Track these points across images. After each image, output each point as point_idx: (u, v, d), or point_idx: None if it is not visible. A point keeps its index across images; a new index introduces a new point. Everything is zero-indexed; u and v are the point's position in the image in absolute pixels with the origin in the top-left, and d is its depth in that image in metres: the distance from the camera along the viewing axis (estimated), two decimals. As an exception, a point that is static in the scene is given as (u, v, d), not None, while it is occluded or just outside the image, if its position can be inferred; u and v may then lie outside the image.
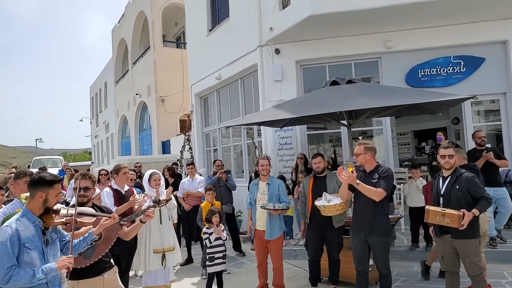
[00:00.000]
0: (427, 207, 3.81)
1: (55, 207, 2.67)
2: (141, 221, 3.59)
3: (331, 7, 6.66)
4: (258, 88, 8.44)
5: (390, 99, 5.00)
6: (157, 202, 3.92)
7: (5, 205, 4.10)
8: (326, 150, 9.85)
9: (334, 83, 5.68)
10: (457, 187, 3.73)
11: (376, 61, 7.90)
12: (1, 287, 2.39)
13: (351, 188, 3.97)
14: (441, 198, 3.82)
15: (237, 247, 7.15)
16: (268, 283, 4.87)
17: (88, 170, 15.99)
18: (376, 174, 3.91)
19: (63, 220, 2.70)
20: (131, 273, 5.40)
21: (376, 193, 3.77)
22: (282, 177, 7.35)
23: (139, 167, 9.34)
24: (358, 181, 3.80)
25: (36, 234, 2.52)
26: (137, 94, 17.70)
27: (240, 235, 7.47)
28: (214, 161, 7.77)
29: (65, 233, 2.83)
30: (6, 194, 5.44)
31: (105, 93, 25.58)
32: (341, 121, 6.38)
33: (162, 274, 5.14)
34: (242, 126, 9.41)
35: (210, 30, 10.41)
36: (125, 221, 3.39)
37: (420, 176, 6.31)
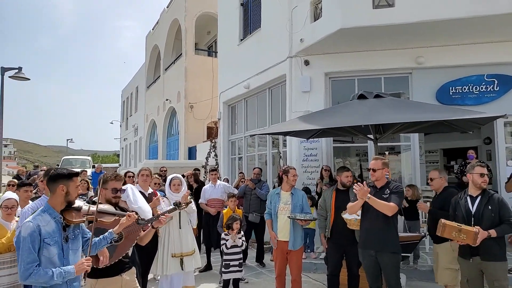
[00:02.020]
0: (443, 221, 3.71)
1: (76, 205, 2.72)
2: (152, 227, 3.65)
3: (362, 21, 6.64)
4: (286, 98, 8.47)
5: (418, 115, 4.90)
6: (177, 205, 3.97)
7: (33, 201, 4.28)
8: (352, 164, 9.71)
9: (361, 96, 5.64)
10: (490, 207, 3.66)
11: (406, 76, 7.77)
12: (20, 282, 2.46)
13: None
14: (472, 219, 3.72)
15: (259, 258, 7.11)
16: (285, 295, 4.82)
17: (116, 171, 16.41)
18: (387, 190, 3.89)
19: (84, 218, 2.75)
20: (149, 276, 5.47)
21: (388, 208, 3.72)
22: (307, 189, 7.30)
23: (165, 171, 9.50)
24: (369, 195, 3.75)
25: (57, 229, 2.55)
26: (167, 99, 18.10)
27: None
28: (254, 169, 7.75)
29: (87, 230, 2.88)
30: (34, 191, 5.67)
31: (136, 97, 26.28)
32: (368, 135, 6.30)
33: (178, 278, 5.16)
34: (268, 135, 9.45)
35: (241, 40, 10.56)
36: (143, 220, 3.45)
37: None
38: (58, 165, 21.97)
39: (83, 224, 2.87)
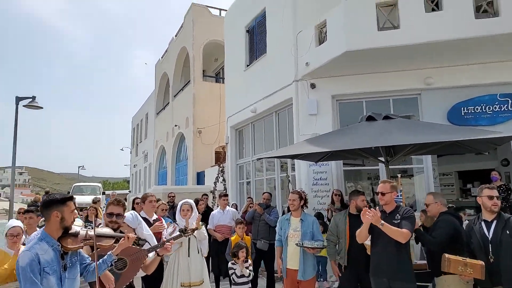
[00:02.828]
0: (446, 256, 3.52)
1: (73, 230, 2.63)
2: (158, 255, 3.54)
3: (367, 43, 6.63)
4: (293, 121, 8.42)
5: (431, 136, 4.78)
6: (183, 232, 3.87)
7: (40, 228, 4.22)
8: (364, 188, 9.51)
9: (370, 118, 5.55)
10: (508, 232, 3.45)
11: (415, 97, 7.68)
12: None
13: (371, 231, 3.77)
14: (490, 245, 3.51)
15: (269, 287, 6.87)
16: (297, 327, 4.60)
17: (125, 198, 16.38)
18: (397, 215, 3.72)
19: (81, 244, 2.66)
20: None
21: (401, 234, 3.54)
22: (319, 214, 7.09)
23: (173, 197, 9.42)
24: (382, 221, 3.58)
25: (55, 258, 2.47)
26: (176, 125, 18.22)
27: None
28: (263, 193, 7.62)
29: (86, 255, 2.79)
30: (43, 218, 5.59)
31: (146, 124, 26.55)
32: (378, 158, 6.17)
33: (188, 309, 4.99)
34: (276, 158, 9.35)
35: (247, 65, 10.65)
36: (144, 240, 3.35)
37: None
38: (69, 192, 22.01)
39: (81, 250, 2.78)
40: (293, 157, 6.50)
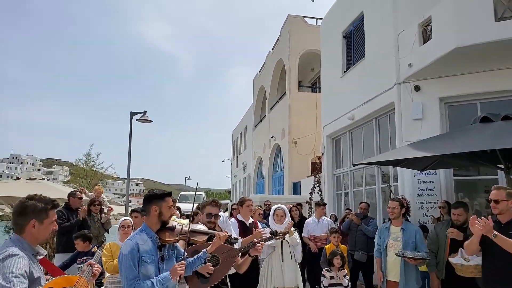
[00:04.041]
0: None
1: (170, 224, 2.77)
2: (249, 255, 3.54)
3: (482, 37, 5.91)
4: (395, 128, 7.87)
5: None
6: (273, 234, 3.81)
7: None
8: (482, 205, 8.35)
9: (485, 119, 4.90)
10: None
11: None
12: None
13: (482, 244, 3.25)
14: None
15: None
16: None
17: (226, 209, 17.09)
18: None
19: (177, 238, 2.78)
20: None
21: None
22: (424, 227, 6.47)
23: (269, 205, 9.51)
24: (495, 232, 3.07)
25: (153, 249, 2.61)
26: (272, 137, 18.53)
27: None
28: (360, 203, 7.31)
29: (181, 250, 2.90)
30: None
31: (245, 136, 27.59)
32: (497, 165, 5.38)
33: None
34: (376, 168, 8.83)
35: (344, 72, 10.36)
36: (236, 239, 3.37)
37: None
38: (175, 200, 23.78)
39: (178, 244, 2.91)
40: (395, 164, 6.02)
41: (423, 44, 7.05)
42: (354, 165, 8.05)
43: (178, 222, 3.02)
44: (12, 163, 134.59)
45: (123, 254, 2.52)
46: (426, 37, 7.09)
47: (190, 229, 2.91)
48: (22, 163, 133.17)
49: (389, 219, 4.65)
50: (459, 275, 3.89)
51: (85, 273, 2.40)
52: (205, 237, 3.10)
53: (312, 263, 6.56)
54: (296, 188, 15.54)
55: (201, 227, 3.26)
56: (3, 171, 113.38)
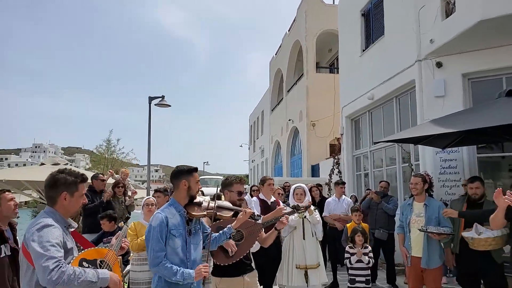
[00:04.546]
0: None
1: (197, 200, 2.83)
2: (275, 229, 3.59)
3: (507, 8, 5.67)
4: (416, 106, 7.71)
5: None
6: (296, 208, 3.83)
7: None
8: (504, 179, 8.16)
9: (511, 93, 4.75)
10: None
11: None
12: (150, 268, 2.60)
13: (508, 216, 3.16)
14: None
15: (390, 279, 6.46)
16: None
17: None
18: None
19: (204, 212, 2.85)
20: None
21: None
22: (445, 205, 6.41)
23: (288, 186, 9.54)
24: None
25: (181, 222, 2.68)
26: (289, 120, 18.44)
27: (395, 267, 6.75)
28: (380, 182, 7.27)
29: (207, 226, 2.98)
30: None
31: (261, 121, 27.56)
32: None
33: (305, 292, 4.97)
34: (396, 147, 8.72)
35: (363, 50, 10.16)
36: (259, 215, 3.41)
37: None
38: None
39: (204, 220, 2.97)
40: (417, 141, 5.92)
41: (445, 19, 6.84)
42: (375, 143, 7.91)
43: (204, 199, 3.08)
44: (35, 151, 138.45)
45: (152, 226, 2.59)
46: (448, 11, 6.86)
47: (216, 205, 2.97)
48: (44, 151, 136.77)
49: (411, 196, 4.61)
50: (473, 250, 3.88)
51: (114, 246, 2.48)
52: (231, 213, 3.16)
53: (333, 241, 6.58)
54: (314, 171, 15.52)
55: (226, 203, 3.32)
56: (27, 160, 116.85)
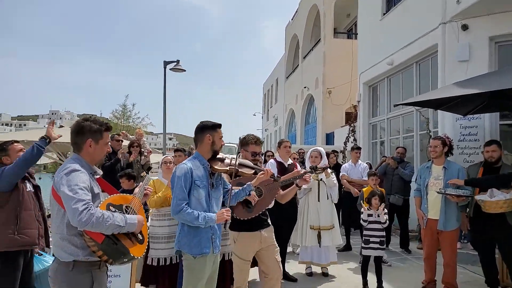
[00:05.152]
0: None
1: (220, 155, 2.87)
2: (296, 185, 3.64)
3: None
4: (437, 72, 7.48)
5: None
6: (313, 169, 3.83)
7: None
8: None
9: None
10: None
11: None
12: (172, 215, 2.66)
13: None
14: None
15: (404, 244, 6.53)
16: (436, 280, 4.24)
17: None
18: None
19: (227, 168, 2.89)
20: (289, 249, 5.50)
21: None
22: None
23: (302, 153, 9.53)
24: None
25: (205, 175, 2.74)
26: (305, 87, 18.20)
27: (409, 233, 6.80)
28: (396, 148, 7.22)
29: (227, 181, 3.03)
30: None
31: (276, 89, 27.26)
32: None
33: (319, 252, 5.07)
34: (414, 111, 8.57)
35: (384, 14, 9.80)
36: (278, 176, 3.43)
37: None
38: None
39: (224, 177, 3.01)
40: (438, 106, 5.77)
41: (474, -23, 6.49)
42: (395, 105, 7.70)
43: (227, 156, 3.10)
44: (51, 118, 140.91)
45: (176, 175, 2.66)
46: (478, -31, 6.50)
47: (238, 162, 3.00)
48: (60, 118, 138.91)
49: (430, 159, 4.56)
50: (488, 214, 3.87)
51: (138, 194, 2.53)
52: (252, 171, 3.18)
53: (347, 205, 6.62)
54: (329, 139, 15.43)
55: (248, 162, 3.35)
56: (44, 126, 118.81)
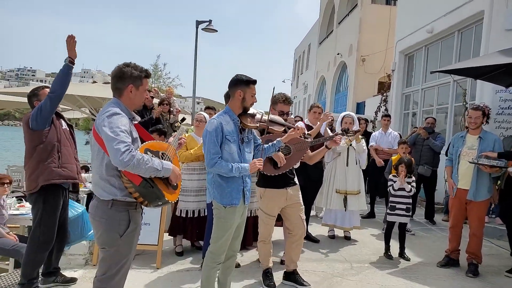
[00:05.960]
0: None
1: (251, 111, 2.86)
2: (326, 147, 3.65)
3: None
4: (481, 42, 7.10)
5: None
6: (345, 131, 3.82)
7: None
8: None
9: None
10: None
11: None
12: (208, 169, 2.75)
13: None
14: None
15: (429, 215, 6.51)
16: (459, 249, 4.24)
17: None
18: None
19: (257, 124, 2.90)
20: (312, 213, 5.60)
21: None
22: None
23: (332, 120, 9.39)
24: None
25: (235, 130, 2.76)
26: (338, 54, 17.71)
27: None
28: (426, 118, 7.06)
29: (257, 137, 3.04)
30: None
31: (308, 55, 26.65)
32: None
33: (343, 216, 5.14)
34: (452, 81, 8.25)
35: (428, -22, 9.27)
36: (309, 134, 3.45)
37: None
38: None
39: (255, 132, 3.03)
40: (479, 75, 5.52)
41: None
42: (431, 72, 7.43)
43: (258, 111, 3.11)
44: (84, 77, 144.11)
45: (208, 131, 2.70)
46: None
47: (269, 118, 3.02)
48: (92, 77, 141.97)
49: (466, 128, 4.44)
50: None
51: (173, 142, 2.62)
52: (282, 128, 3.20)
53: (373, 174, 6.59)
54: (359, 108, 15.14)
55: (279, 118, 3.36)
56: (76, 84, 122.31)
